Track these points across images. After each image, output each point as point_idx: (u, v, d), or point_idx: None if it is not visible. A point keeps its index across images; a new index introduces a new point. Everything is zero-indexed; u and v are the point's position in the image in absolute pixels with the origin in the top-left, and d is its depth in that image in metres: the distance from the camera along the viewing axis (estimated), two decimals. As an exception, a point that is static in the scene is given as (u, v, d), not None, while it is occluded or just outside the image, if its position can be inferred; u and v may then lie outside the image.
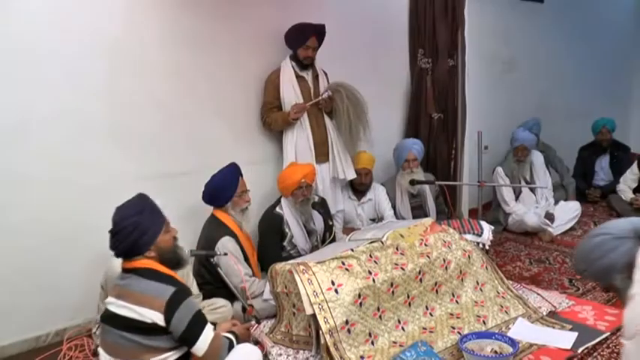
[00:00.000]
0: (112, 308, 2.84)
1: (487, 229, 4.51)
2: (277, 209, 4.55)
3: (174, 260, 2.96)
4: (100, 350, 2.91)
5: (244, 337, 3.26)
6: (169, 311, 2.73)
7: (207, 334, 2.84)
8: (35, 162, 3.89)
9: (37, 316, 3.99)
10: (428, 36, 6.02)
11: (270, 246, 4.45)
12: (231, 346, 2.96)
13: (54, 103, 3.93)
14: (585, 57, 8.32)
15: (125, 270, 2.90)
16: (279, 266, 3.74)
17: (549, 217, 5.88)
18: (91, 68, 4.06)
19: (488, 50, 6.93)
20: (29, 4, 3.82)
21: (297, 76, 4.88)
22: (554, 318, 3.87)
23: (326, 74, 5.05)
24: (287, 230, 4.50)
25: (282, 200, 4.57)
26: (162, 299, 2.73)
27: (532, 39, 7.54)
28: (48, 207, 3.95)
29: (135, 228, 2.84)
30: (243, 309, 3.73)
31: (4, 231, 3.82)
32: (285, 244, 4.50)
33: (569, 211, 6.05)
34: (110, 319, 2.84)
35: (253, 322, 3.70)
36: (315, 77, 4.97)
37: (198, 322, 2.82)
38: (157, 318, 2.73)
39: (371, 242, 3.87)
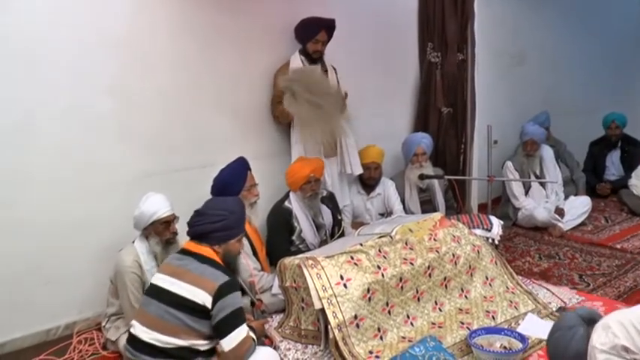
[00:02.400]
0: (163, 284, 2.98)
1: (497, 224, 4.50)
2: (286, 203, 4.54)
3: (231, 266, 3.17)
4: (135, 322, 3.02)
5: (260, 334, 3.33)
6: (218, 295, 2.88)
7: (240, 333, 2.94)
8: (42, 159, 3.91)
9: (47, 310, 4.01)
10: (437, 29, 5.98)
11: (279, 240, 4.45)
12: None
13: (60, 100, 3.94)
14: (594, 50, 8.25)
15: (186, 252, 3.09)
16: (288, 260, 3.74)
17: (559, 212, 5.85)
18: (97, 65, 4.06)
19: (498, 44, 6.89)
20: (32, 2, 3.82)
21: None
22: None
23: (335, 69, 5.03)
24: (296, 224, 4.49)
25: (291, 194, 4.57)
26: (215, 283, 2.89)
27: (541, 32, 7.48)
28: (57, 203, 3.96)
29: (221, 220, 3.09)
30: (252, 303, 3.74)
31: (15, 227, 3.84)
32: (294, 238, 4.49)
33: (579, 206, 6.01)
34: (158, 293, 2.98)
35: (269, 319, 3.72)
36: (325, 72, 4.95)
37: (237, 317, 2.93)
38: (207, 300, 2.87)
39: (380, 237, 3.86)
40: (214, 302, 2.87)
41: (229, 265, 3.12)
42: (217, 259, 3.06)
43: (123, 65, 4.17)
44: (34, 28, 3.81)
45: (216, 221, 3.07)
